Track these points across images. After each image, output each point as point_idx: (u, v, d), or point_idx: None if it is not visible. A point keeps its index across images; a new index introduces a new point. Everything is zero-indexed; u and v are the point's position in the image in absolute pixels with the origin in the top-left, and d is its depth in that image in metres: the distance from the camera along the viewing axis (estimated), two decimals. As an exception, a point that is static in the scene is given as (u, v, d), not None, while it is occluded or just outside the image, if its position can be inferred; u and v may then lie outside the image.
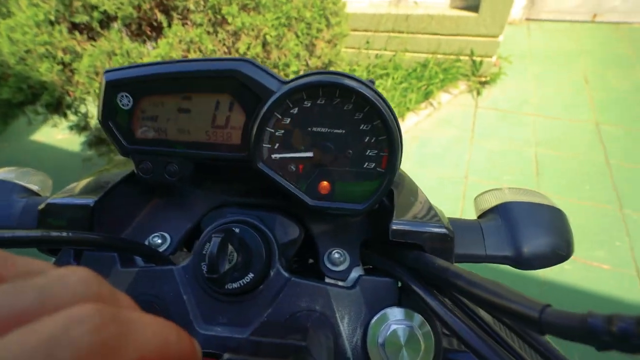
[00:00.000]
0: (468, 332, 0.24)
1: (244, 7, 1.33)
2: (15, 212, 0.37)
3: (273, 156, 0.31)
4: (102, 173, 0.40)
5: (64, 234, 0.24)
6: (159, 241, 0.35)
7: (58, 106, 1.48)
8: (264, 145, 0.31)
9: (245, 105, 0.30)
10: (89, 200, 0.32)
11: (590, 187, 2.02)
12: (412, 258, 0.30)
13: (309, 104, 0.30)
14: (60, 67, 1.27)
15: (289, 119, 0.30)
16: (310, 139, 0.30)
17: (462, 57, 2.64)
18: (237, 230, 0.30)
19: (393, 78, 2.63)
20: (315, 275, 0.36)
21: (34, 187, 0.41)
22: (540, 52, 3.00)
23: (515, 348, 0.25)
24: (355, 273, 0.34)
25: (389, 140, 0.29)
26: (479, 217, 0.39)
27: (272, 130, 0.30)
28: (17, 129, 3.00)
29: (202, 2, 1.31)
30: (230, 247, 0.27)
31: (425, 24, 2.56)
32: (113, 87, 0.31)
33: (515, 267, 0.35)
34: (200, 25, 1.31)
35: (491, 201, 0.39)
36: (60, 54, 1.25)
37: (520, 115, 2.49)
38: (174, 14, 1.30)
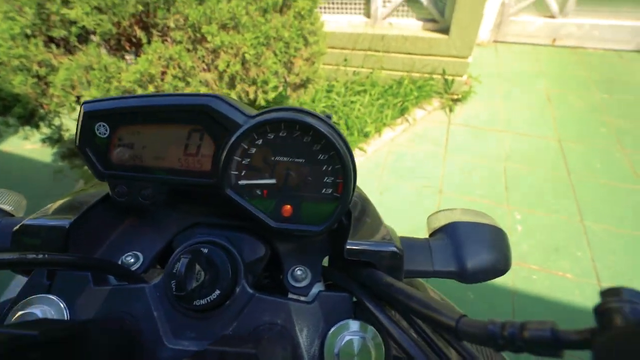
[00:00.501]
0: (409, 342, 0.28)
1: (223, 27, 1.37)
2: None
3: (240, 182, 0.34)
4: (78, 194, 0.42)
5: (40, 255, 0.26)
6: (132, 260, 0.37)
7: (30, 118, 1.45)
8: (232, 172, 0.34)
9: (214, 136, 0.34)
10: (64, 222, 0.34)
11: (554, 201, 2.15)
12: (365, 275, 0.33)
13: (272, 136, 0.33)
14: (34, 80, 1.26)
15: (254, 149, 0.33)
16: (274, 167, 0.34)
17: (435, 76, 2.77)
18: (205, 250, 0.33)
19: (370, 94, 2.73)
20: (282, 290, 0.39)
21: (7, 208, 0.42)
22: (507, 72, 3.20)
23: (450, 357, 0.28)
24: (315, 289, 0.37)
25: (343, 169, 0.33)
26: (430, 235, 0.43)
27: (239, 159, 0.34)
28: (-17, 139, 2.88)
29: (182, 20, 1.34)
30: (197, 267, 0.29)
31: (400, 44, 2.69)
32: (91, 118, 0.34)
33: (460, 281, 0.39)
34: (180, 42, 1.34)
35: (441, 220, 0.43)
36: (35, 67, 1.23)
37: (490, 131, 2.63)
38: (154, 31, 1.32)
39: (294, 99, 2.00)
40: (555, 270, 1.82)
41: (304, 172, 0.34)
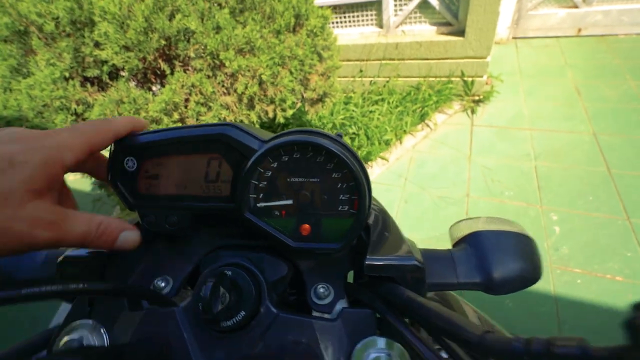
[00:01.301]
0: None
1: (240, 52, 1.43)
2: (37, 263, 0.41)
3: (258, 205, 0.35)
4: None
5: (80, 285, 0.28)
6: (163, 284, 0.39)
7: (71, 152, 1.57)
8: (250, 195, 0.35)
9: (232, 163, 0.35)
10: (101, 252, 0.36)
11: (594, 198, 2.02)
12: (386, 290, 0.33)
13: (287, 158, 0.34)
14: (73, 117, 1.37)
15: (270, 172, 0.35)
16: (290, 188, 0.35)
17: (453, 79, 2.73)
18: (229, 272, 0.34)
19: (388, 102, 2.72)
20: (307, 308, 0.40)
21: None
22: (530, 68, 3.09)
23: None
24: (339, 306, 0.37)
25: (357, 186, 0.34)
26: (453, 245, 0.43)
27: (256, 182, 0.35)
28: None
29: (201, 50, 1.42)
30: (222, 289, 0.31)
31: (415, 50, 2.68)
32: (120, 153, 0.37)
33: (487, 292, 0.38)
34: (200, 70, 1.41)
35: (463, 230, 0.42)
36: (73, 106, 1.34)
37: (516, 130, 2.54)
38: (176, 62, 1.41)
39: (312, 114, 2.03)
40: (603, 273, 1.69)
41: (320, 191, 0.35)
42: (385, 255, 0.35)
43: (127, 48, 1.31)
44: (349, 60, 2.88)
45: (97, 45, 1.32)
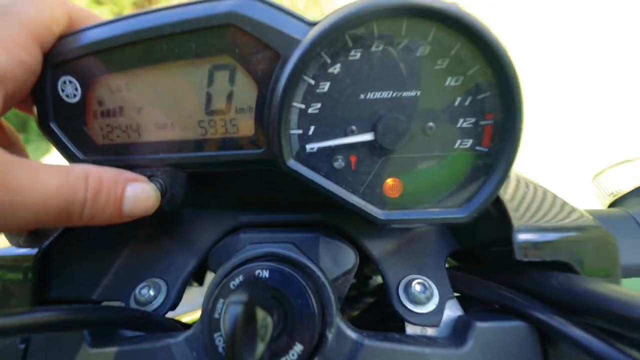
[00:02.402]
0: None
1: None
2: None
3: (308, 147, 0.19)
4: None
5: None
6: (151, 293, 0.24)
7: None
8: (292, 131, 0.19)
9: (254, 71, 0.19)
10: (31, 250, 0.21)
11: None
12: (554, 285, 0.18)
13: (358, 55, 0.18)
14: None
15: (327, 84, 0.19)
16: (366, 113, 0.19)
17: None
18: (264, 273, 0.18)
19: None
20: (380, 313, 0.25)
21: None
22: None
23: None
24: (450, 312, 0.22)
25: (504, 94, 0.18)
26: (612, 205, 0.27)
27: (302, 106, 0.19)
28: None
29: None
30: (260, 314, 0.15)
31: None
32: (51, 70, 0.20)
33: None
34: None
35: (625, 181, 0.26)
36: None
37: None
38: None
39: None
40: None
41: (421, 115, 0.19)
42: (543, 224, 0.19)
43: (98, 3, 1.11)
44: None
45: None
